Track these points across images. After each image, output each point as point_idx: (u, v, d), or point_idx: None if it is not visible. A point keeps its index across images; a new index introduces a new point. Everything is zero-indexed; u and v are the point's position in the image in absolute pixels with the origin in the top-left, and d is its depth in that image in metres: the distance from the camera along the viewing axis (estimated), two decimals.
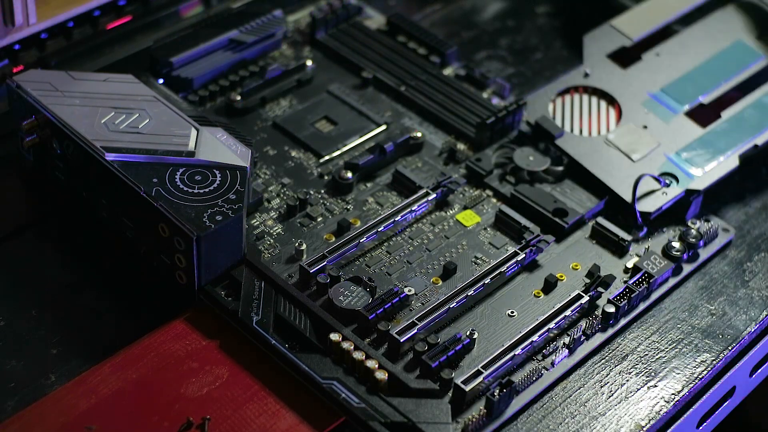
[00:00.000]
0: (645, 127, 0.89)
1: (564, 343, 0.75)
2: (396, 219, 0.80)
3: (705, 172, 0.85)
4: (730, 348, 0.77)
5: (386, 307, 0.74)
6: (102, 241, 0.80)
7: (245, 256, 0.76)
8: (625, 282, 0.78)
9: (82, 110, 0.79)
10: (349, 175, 0.84)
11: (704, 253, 0.83)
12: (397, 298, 0.75)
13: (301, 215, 0.82)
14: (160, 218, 0.74)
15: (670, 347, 0.77)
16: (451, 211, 0.83)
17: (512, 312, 0.77)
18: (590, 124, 0.89)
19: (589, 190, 0.85)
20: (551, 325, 0.74)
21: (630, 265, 0.80)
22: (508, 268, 0.78)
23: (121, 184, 0.75)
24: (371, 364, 0.71)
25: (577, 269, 0.80)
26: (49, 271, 0.78)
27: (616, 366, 0.76)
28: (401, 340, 0.72)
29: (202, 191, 0.75)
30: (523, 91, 0.96)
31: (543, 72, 1.00)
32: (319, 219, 0.81)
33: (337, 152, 0.87)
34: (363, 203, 0.83)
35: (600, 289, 0.77)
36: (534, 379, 0.73)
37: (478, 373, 0.71)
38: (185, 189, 0.75)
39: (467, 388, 0.70)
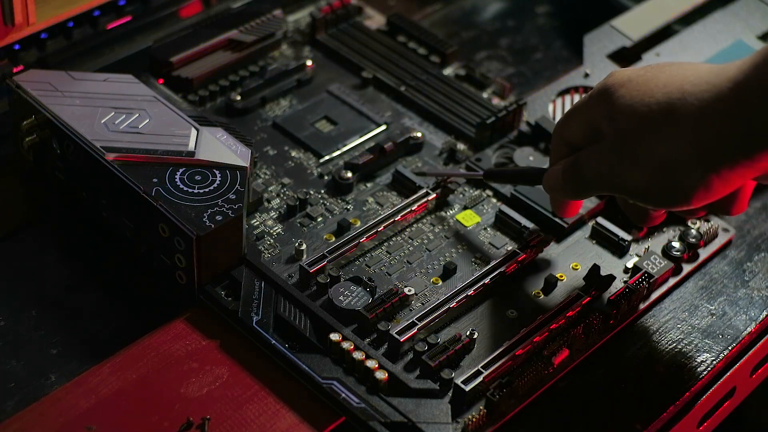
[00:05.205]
0: None
1: (564, 343, 0.75)
2: (396, 219, 0.80)
3: None
4: (730, 348, 0.77)
5: (386, 307, 0.74)
6: (102, 241, 0.80)
7: (245, 256, 0.76)
8: (625, 282, 0.78)
9: (82, 110, 0.79)
10: (349, 175, 0.84)
11: (704, 253, 0.83)
12: (397, 298, 0.75)
13: (301, 215, 0.82)
14: (160, 218, 0.74)
15: (670, 347, 0.77)
16: (451, 211, 0.83)
17: (512, 312, 0.77)
18: None
19: None
20: (551, 325, 0.74)
21: (630, 265, 0.80)
22: (507, 268, 0.78)
23: (121, 184, 0.75)
24: (371, 364, 0.71)
25: (577, 269, 0.80)
26: (49, 271, 0.78)
27: (616, 366, 0.76)
28: (401, 340, 0.72)
29: (202, 191, 0.75)
30: (523, 91, 0.96)
31: (543, 72, 1.00)
32: (319, 219, 0.81)
33: (337, 152, 0.87)
34: (363, 203, 0.83)
35: (600, 289, 0.77)
36: (534, 379, 0.73)
37: (478, 373, 0.71)
38: (185, 189, 0.75)
39: (467, 388, 0.70)
